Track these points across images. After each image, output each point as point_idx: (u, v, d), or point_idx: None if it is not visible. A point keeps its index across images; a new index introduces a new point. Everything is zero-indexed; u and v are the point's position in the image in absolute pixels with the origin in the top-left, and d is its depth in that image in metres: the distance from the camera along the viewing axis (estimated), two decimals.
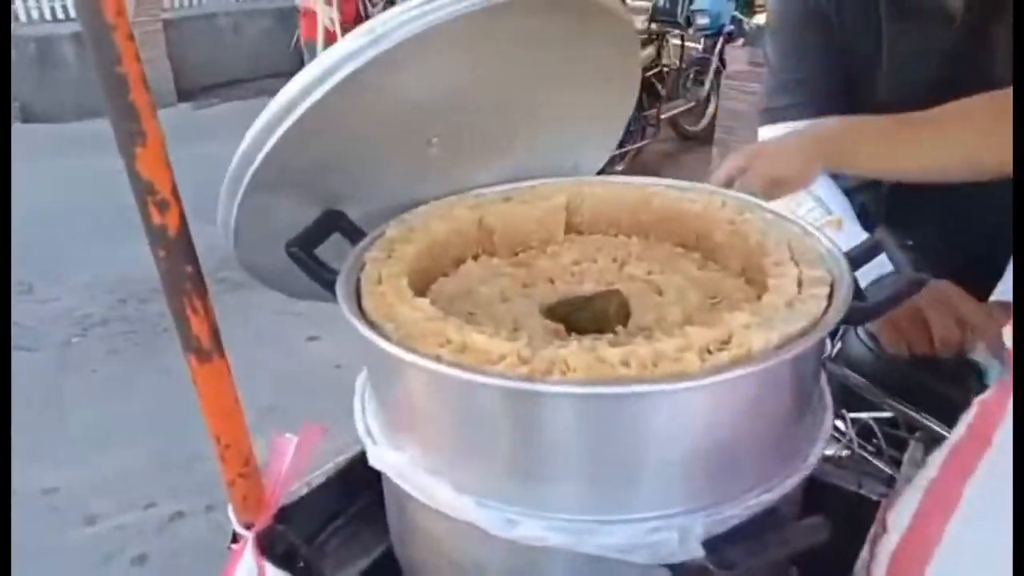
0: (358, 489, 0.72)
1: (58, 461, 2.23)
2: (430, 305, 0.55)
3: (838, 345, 1.00)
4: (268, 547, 0.61)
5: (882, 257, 0.59)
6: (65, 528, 2.01)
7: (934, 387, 0.90)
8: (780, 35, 1.02)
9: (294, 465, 0.62)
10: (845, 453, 0.93)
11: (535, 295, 0.66)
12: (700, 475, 0.50)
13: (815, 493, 0.66)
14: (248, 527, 0.61)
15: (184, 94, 6.43)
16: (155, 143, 0.49)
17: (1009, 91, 0.69)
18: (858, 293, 0.55)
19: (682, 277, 0.66)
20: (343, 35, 0.72)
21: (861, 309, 0.54)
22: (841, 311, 0.52)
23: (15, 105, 5.72)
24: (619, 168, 4.41)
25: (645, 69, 4.35)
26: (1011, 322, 0.56)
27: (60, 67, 6.00)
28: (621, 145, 4.31)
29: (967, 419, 0.50)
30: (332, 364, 2.57)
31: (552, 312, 0.65)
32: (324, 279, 0.63)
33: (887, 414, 0.93)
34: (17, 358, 2.88)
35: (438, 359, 0.49)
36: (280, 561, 0.60)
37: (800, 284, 0.56)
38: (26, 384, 2.70)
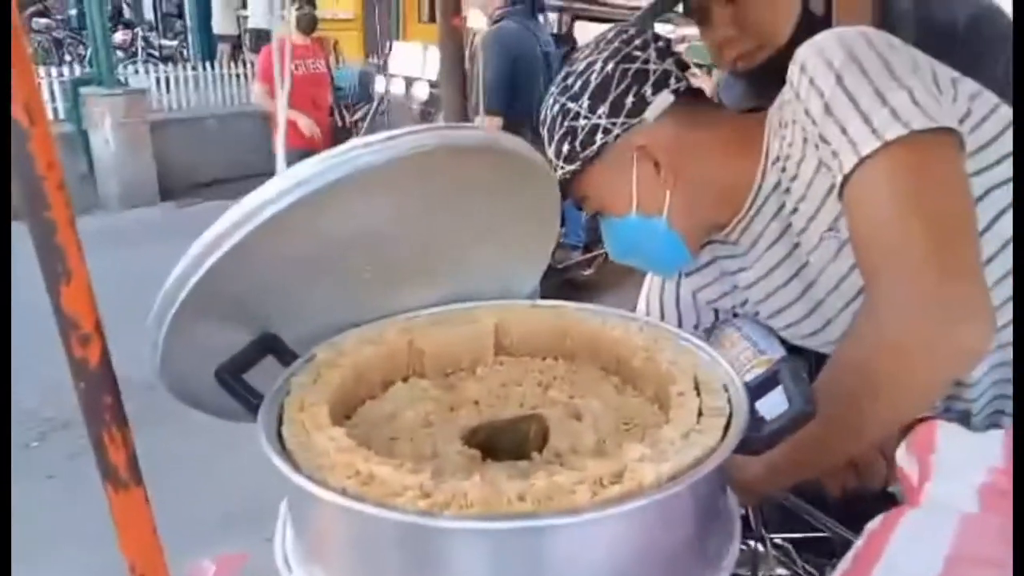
0: None
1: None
2: (343, 434, 0.57)
3: None
4: None
5: None
6: None
7: (869, 506, 0.92)
8: None
9: None
10: (786, 574, 0.94)
11: (458, 419, 0.68)
12: None
13: None
14: None
15: (167, 193, 6.56)
16: (80, 281, 0.52)
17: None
18: (754, 424, 0.57)
19: (600, 402, 0.69)
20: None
21: (755, 439, 0.56)
22: (734, 442, 0.54)
23: None
24: (588, 272, 4.49)
25: None
26: (904, 441, 0.59)
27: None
28: (589, 249, 4.41)
29: (856, 547, 0.52)
30: None
31: (474, 435, 0.67)
32: (252, 404, 0.64)
33: (823, 534, 0.94)
34: None
35: (343, 492, 0.51)
36: None
37: (700, 414, 0.58)
38: None
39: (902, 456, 0.60)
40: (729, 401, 0.60)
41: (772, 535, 0.95)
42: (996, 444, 0.54)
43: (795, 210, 0.84)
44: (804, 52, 0.79)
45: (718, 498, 0.58)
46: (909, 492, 0.57)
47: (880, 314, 0.69)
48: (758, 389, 0.62)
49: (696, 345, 0.70)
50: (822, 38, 0.78)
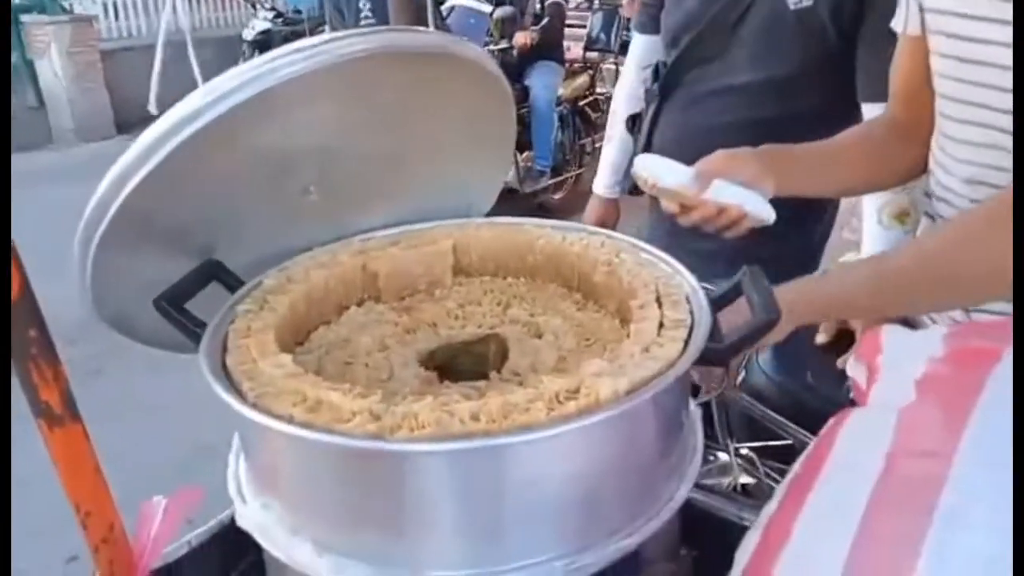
0: (245, 547, 0.70)
1: None
2: (291, 361, 0.54)
3: (742, 374, 1.02)
4: None
5: None
6: None
7: (830, 412, 0.93)
8: None
9: (164, 527, 0.60)
10: (751, 481, 0.95)
11: (415, 342, 0.66)
12: (561, 523, 0.50)
13: (698, 524, 0.67)
14: None
15: (123, 126, 6.30)
16: None
17: None
18: (715, 335, 0.55)
19: (561, 319, 0.67)
20: None
21: (716, 350, 0.55)
22: (695, 354, 0.53)
23: None
24: (558, 196, 4.42)
25: (579, 98, 4.39)
26: (852, 353, 0.59)
27: None
28: (558, 173, 4.34)
29: (806, 451, 0.52)
30: None
31: (431, 358, 0.65)
32: (195, 333, 0.61)
33: (787, 441, 0.95)
34: None
35: (290, 419, 0.49)
36: None
37: (661, 326, 0.57)
38: None
39: (852, 366, 0.60)
40: (691, 312, 0.58)
41: (738, 445, 0.96)
42: (937, 336, 0.53)
43: None
44: None
45: (680, 411, 0.57)
46: (859, 397, 0.57)
47: None
48: (721, 300, 0.60)
49: (658, 257, 0.67)
50: None
